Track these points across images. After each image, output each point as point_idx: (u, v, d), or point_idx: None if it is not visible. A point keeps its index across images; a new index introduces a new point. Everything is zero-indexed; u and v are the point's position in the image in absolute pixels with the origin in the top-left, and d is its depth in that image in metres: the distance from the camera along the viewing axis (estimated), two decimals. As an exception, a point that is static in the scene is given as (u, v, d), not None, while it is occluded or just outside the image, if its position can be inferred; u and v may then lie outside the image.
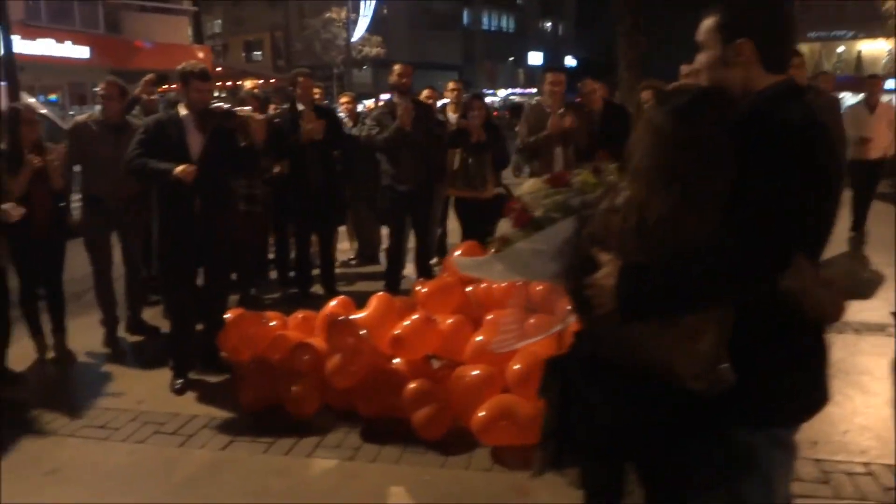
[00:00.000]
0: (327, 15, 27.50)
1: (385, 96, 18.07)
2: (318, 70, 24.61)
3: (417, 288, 4.79)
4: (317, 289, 6.25)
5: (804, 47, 36.72)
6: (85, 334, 5.23)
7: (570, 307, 2.11)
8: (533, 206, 2.13)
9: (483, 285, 4.67)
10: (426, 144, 5.80)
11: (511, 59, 52.62)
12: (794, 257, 1.54)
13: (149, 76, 5.79)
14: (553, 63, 56.47)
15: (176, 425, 3.87)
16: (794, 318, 1.62)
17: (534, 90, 41.73)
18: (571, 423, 1.91)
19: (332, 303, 4.64)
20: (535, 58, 56.21)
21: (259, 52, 41.51)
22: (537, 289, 2.95)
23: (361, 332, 3.92)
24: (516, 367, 3.60)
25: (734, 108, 1.68)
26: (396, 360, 3.99)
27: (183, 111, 4.30)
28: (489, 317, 4.25)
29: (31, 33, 9.82)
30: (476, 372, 3.68)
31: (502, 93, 42.03)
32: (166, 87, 6.77)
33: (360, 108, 9.58)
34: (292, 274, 6.41)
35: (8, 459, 3.56)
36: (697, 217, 1.58)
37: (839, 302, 1.72)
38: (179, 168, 4.06)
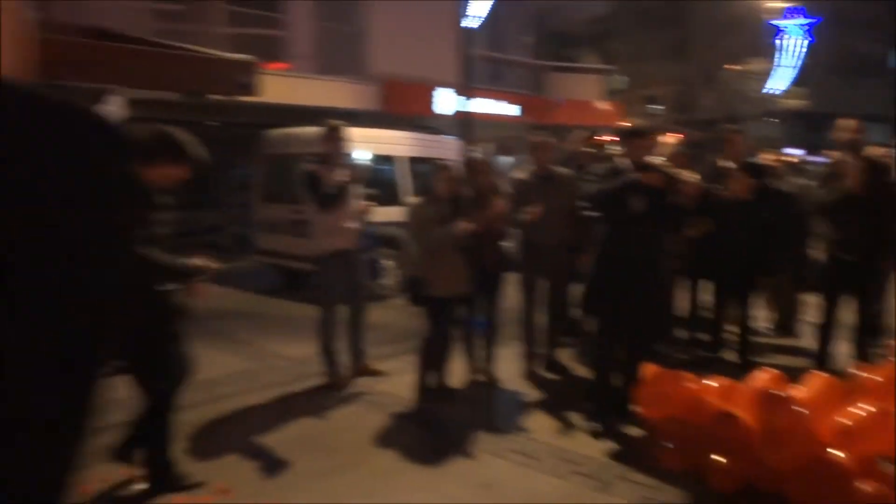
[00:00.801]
0: (745, 66, 26.55)
1: (795, 150, 16.65)
2: (722, 123, 23.83)
3: (858, 372, 4.22)
4: (727, 355, 5.94)
5: None
6: (507, 364, 5.74)
7: None
8: None
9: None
10: (880, 209, 5.12)
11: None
12: None
13: (583, 133, 6.21)
14: None
15: (592, 469, 3.98)
16: None
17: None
18: None
19: (763, 374, 4.33)
20: None
21: (659, 106, 41.85)
22: None
23: (800, 412, 3.58)
24: None
25: None
26: (837, 452, 3.54)
27: (623, 166, 4.49)
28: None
29: (470, 93, 11.48)
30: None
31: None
32: (600, 139, 7.17)
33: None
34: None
35: (444, 467, 4.05)
36: None
37: None
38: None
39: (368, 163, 8.66)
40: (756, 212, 5.60)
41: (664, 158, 4.65)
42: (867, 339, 5.48)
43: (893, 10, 24.55)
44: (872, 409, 3.56)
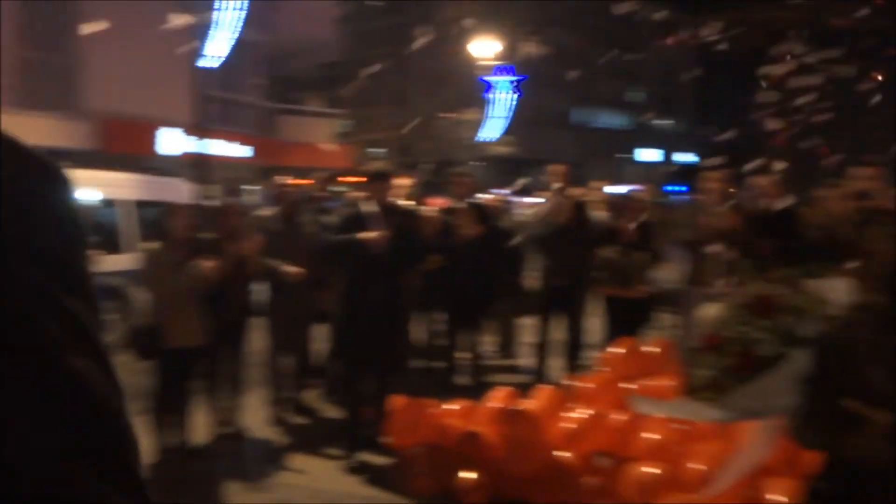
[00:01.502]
0: (458, 116, 29.09)
1: (500, 190, 18.64)
2: (443, 166, 25.80)
3: (572, 382, 4.85)
4: (460, 379, 6.41)
5: None
6: (253, 412, 5.56)
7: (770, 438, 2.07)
8: (735, 336, 2.08)
9: (644, 382, 4.68)
10: (583, 240, 5.97)
11: (626, 154, 52.82)
12: None
13: (322, 175, 6.36)
14: (666, 158, 56.19)
15: (352, 504, 4.03)
16: None
17: (643, 186, 41.27)
18: None
19: (497, 392, 4.74)
20: (650, 154, 56.16)
21: (381, 150, 44.00)
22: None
23: (532, 422, 4.00)
24: (696, 466, 3.54)
25: None
26: (565, 454, 4.02)
27: (367, 207, 4.69)
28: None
29: (203, 133, 11.09)
30: (652, 470, 3.65)
31: (617, 188, 42.00)
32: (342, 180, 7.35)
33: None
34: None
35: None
36: None
37: None
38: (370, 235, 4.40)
39: (89, 207, 7.87)
40: (483, 248, 6.16)
41: (404, 198, 4.93)
42: (576, 352, 6.31)
43: (580, 72, 28.69)
44: (589, 413, 4.11)
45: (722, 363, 2.09)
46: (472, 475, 3.90)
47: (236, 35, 13.11)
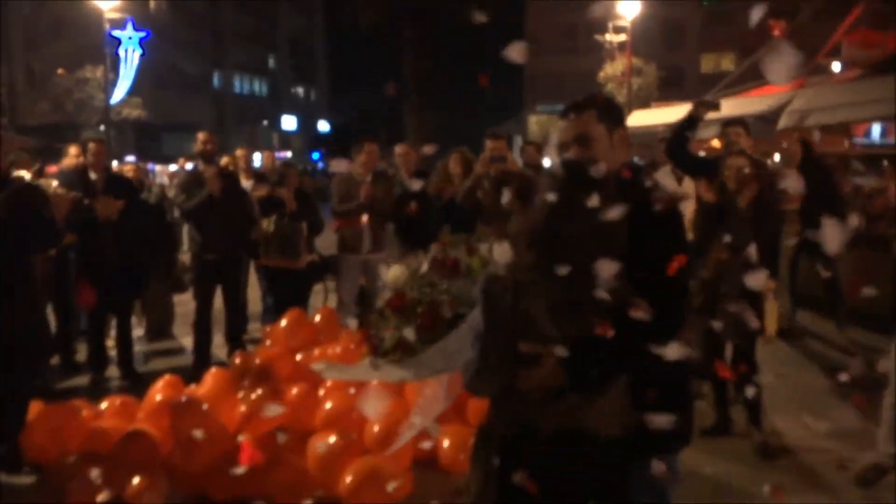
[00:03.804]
0: (81, 74, 25.28)
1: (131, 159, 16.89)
2: (67, 132, 22.40)
3: (240, 361, 4.68)
4: (111, 372, 5.75)
5: (533, 119, 41.67)
6: None
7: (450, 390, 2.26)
8: (419, 296, 2.20)
9: (317, 351, 4.70)
10: (234, 212, 5.70)
11: (265, 122, 52.29)
12: None
13: None
14: (305, 126, 57.23)
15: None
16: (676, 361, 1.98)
17: (288, 154, 41.72)
18: (506, 486, 2.05)
19: (160, 383, 4.33)
20: (289, 122, 56.52)
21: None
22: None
23: (206, 411, 3.75)
24: (375, 429, 3.68)
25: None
26: (241, 437, 3.85)
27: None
28: (328, 383, 4.28)
29: None
30: (334, 439, 3.69)
31: (258, 156, 41.50)
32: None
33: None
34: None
35: None
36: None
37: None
38: None
39: None
40: (125, 226, 5.48)
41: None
42: (238, 328, 6.09)
43: (213, 37, 27.41)
44: (262, 391, 3.98)
45: (408, 324, 2.18)
46: (142, 479, 3.51)
47: None
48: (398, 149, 6.49)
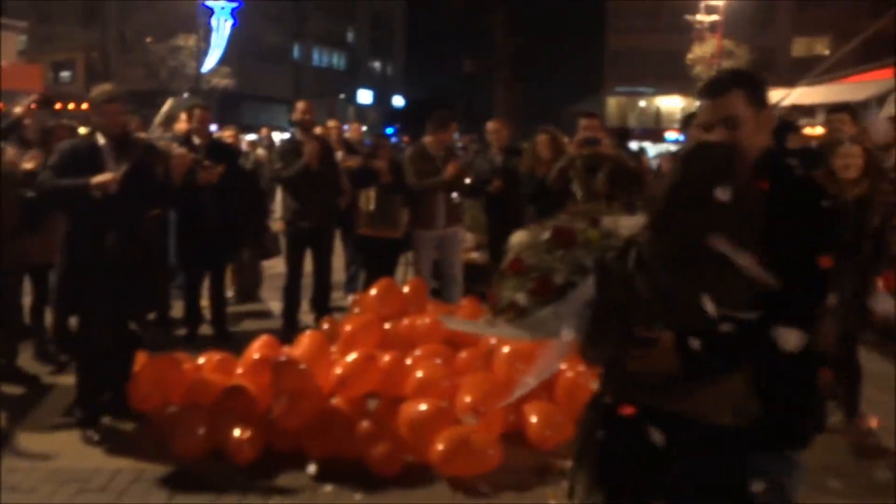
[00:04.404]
0: (174, 42, 26.17)
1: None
2: (160, 98, 23.26)
3: (332, 326, 4.81)
4: (204, 329, 6.00)
5: (612, 101, 40.72)
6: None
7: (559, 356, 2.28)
8: (536, 263, 2.24)
9: (405, 322, 4.79)
10: (329, 182, 5.83)
11: (342, 95, 52.93)
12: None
13: (29, 99, 5.32)
14: (380, 100, 57.62)
15: (101, 482, 3.56)
16: (804, 354, 1.93)
17: (364, 127, 42.12)
18: (608, 458, 2.07)
19: (257, 342, 4.50)
20: (365, 96, 57.01)
21: (67, 73, 38.43)
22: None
23: (303, 370, 3.89)
24: (467, 399, 3.75)
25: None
26: (335, 399, 3.98)
27: (101, 139, 4.03)
28: (417, 352, 4.37)
29: None
30: (425, 406, 3.77)
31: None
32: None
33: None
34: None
35: None
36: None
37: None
38: (98, 178, 3.80)
39: None
40: (225, 190, 5.69)
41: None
42: (326, 295, 6.25)
43: (295, 9, 27.82)
44: (356, 356, 4.09)
45: (523, 287, 2.23)
46: (241, 431, 3.68)
47: None
48: (490, 125, 6.50)
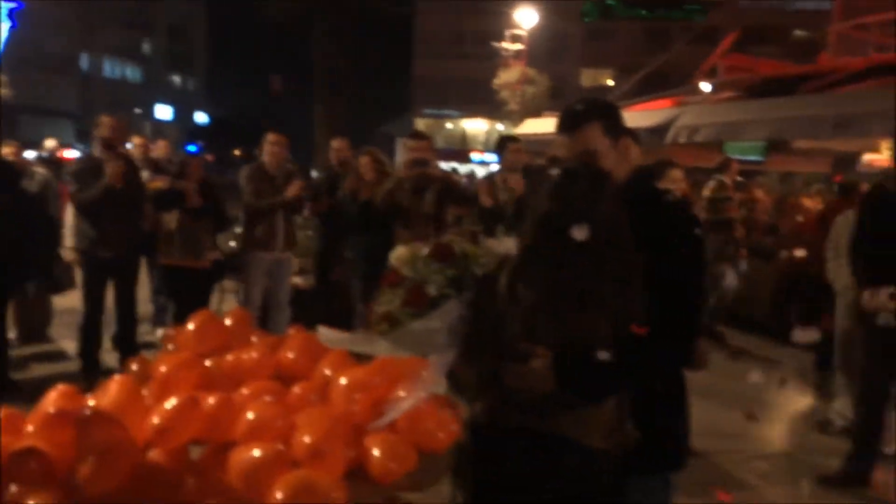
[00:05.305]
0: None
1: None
2: None
3: (137, 367, 4.29)
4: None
5: (420, 122, 42.00)
6: None
7: (432, 378, 2.18)
8: (411, 275, 2.18)
9: (229, 358, 4.39)
10: (132, 205, 5.26)
11: (138, 110, 49.42)
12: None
13: None
14: (180, 116, 54.63)
15: None
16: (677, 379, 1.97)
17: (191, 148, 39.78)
18: (481, 481, 1.98)
19: (53, 393, 3.87)
20: (164, 111, 53.73)
21: None
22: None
23: (113, 423, 3.39)
24: (306, 439, 3.47)
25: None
26: (153, 452, 3.52)
27: None
28: (244, 391, 4.02)
29: None
30: (259, 451, 3.44)
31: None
32: None
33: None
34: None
35: None
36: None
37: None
38: None
39: None
40: (3, 216, 4.92)
41: None
42: (131, 331, 5.63)
43: (82, 16, 25.46)
44: (176, 401, 3.66)
45: (398, 298, 2.18)
46: (39, 502, 3.12)
47: None
48: (334, 143, 6.36)
